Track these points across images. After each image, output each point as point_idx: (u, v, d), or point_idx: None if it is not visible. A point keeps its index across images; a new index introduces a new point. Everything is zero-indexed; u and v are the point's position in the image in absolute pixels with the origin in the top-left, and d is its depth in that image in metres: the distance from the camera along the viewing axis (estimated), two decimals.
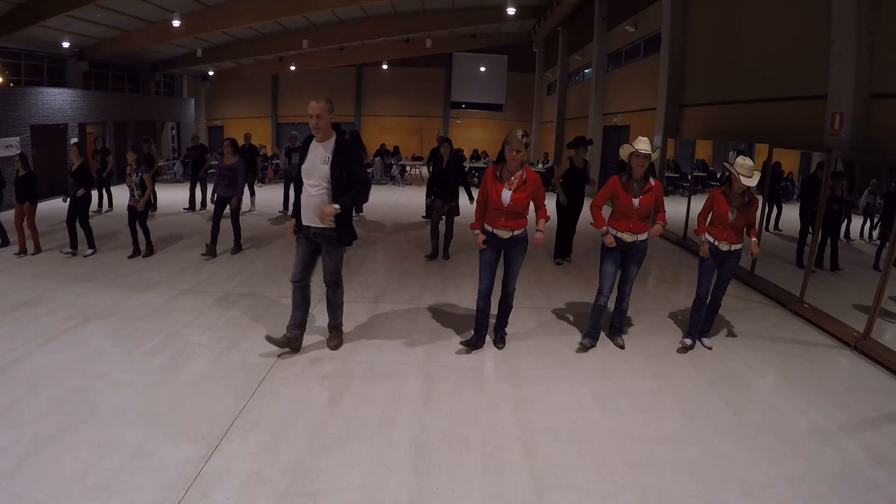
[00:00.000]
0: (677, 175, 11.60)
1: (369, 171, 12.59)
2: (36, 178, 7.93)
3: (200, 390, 3.82)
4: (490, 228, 4.33)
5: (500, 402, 3.81)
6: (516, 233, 4.33)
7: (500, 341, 4.76)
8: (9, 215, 8.29)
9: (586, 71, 16.75)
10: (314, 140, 4.20)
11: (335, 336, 4.65)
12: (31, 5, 11.64)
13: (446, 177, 7.61)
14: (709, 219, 4.76)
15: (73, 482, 2.76)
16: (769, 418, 3.68)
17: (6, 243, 8.22)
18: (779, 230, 7.84)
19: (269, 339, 4.39)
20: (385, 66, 24.14)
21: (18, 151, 12.62)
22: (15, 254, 7.67)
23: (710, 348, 4.81)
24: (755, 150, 7.89)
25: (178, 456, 3.01)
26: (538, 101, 23.26)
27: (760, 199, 5.56)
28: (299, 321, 4.45)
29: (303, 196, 4.26)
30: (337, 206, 4.04)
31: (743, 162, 4.55)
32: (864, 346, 4.83)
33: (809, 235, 6.40)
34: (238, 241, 8.03)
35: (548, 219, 4.53)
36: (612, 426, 3.52)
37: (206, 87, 24.18)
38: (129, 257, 7.53)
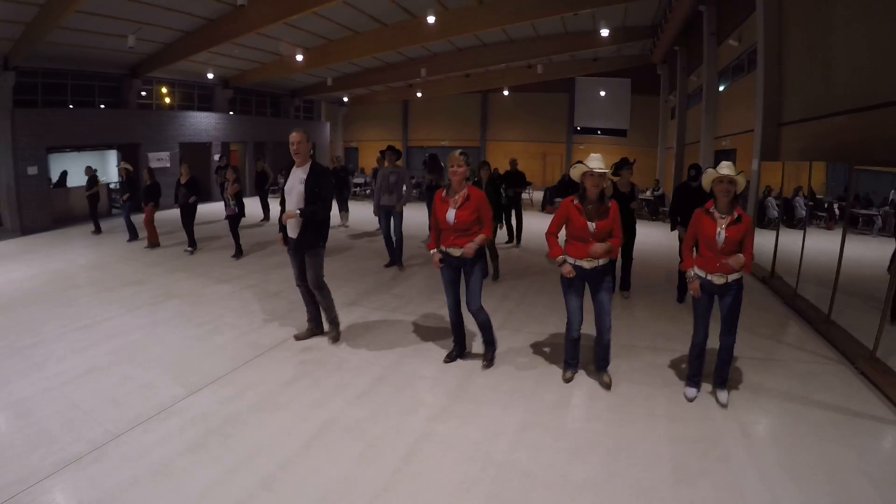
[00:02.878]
0: (812, 203, 10.10)
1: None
2: (159, 186, 10.03)
3: (210, 355, 4.87)
4: (444, 248, 4.43)
5: (420, 408, 3.95)
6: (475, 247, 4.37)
7: (484, 360, 4.73)
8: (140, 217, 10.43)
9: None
10: (294, 165, 4.87)
11: (332, 330, 5.26)
12: (178, 44, 13.93)
13: None
14: (695, 248, 4.13)
15: (101, 394, 4.05)
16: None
17: (135, 237, 10.52)
18: None
19: (296, 336, 5.26)
20: (506, 93, 24.50)
21: (167, 165, 15.13)
22: (145, 247, 9.89)
23: (724, 405, 3.99)
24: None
25: (168, 392, 4.10)
26: (663, 125, 21.87)
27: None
28: (312, 315, 5.30)
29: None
30: (298, 211, 4.68)
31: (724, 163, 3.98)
32: None
33: None
34: None
35: (488, 236, 4.40)
36: (510, 459, 3.30)
37: (343, 111, 26.55)
38: (233, 256, 9.04)
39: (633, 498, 2.95)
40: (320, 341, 5.20)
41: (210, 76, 16.98)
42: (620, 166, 6.99)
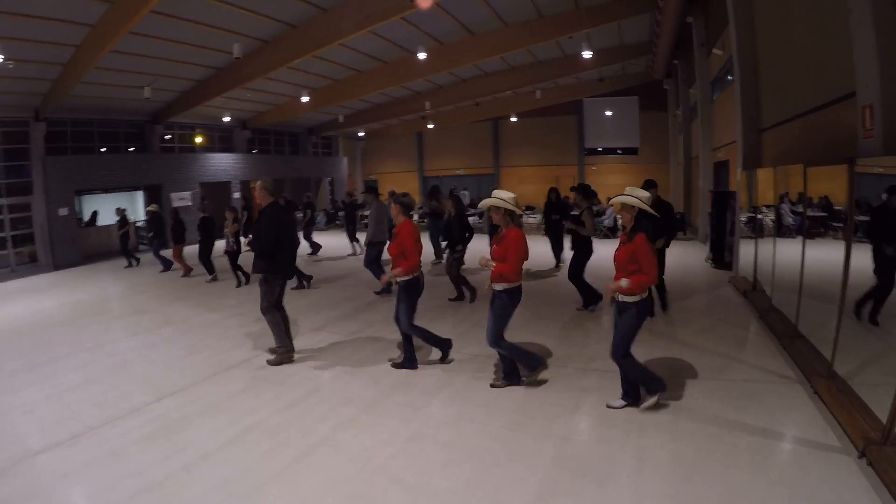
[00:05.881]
0: (825, 214, 9.87)
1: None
2: (184, 223, 11.33)
3: (183, 371, 5.59)
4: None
5: (331, 418, 4.39)
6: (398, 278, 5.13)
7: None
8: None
9: None
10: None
11: (273, 352, 5.79)
12: (193, 91, 15.00)
13: (450, 226, 8.34)
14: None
15: (89, 400, 4.91)
16: None
17: (168, 268, 11.93)
18: None
19: (269, 361, 5.70)
20: (514, 119, 24.93)
21: (190, 203, 16.12)
22: (182, 276, 11.19)
23: (611, 406, 4.33)
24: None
25: (140, 399, 4.87)
26: (673, 140, 21.85)
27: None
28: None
29: None
30: (246, 239, 5.43)
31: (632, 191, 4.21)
32: (877, 456, 3.29)
33: None
34: (300, 279, 9.65)
35: (404, 269, 5.08)
36: (387, 465, 3.65)
37: (361, 146, 27.47)
38: (236, 287, 9.85)
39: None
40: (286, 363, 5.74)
41: (226, 119, 18.07)
42: (648, 186, 7.16)
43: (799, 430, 3.93)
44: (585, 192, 7.85)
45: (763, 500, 3.11)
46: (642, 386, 4.36)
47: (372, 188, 10.31)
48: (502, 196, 4.58)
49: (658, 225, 5.52)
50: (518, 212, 4.61)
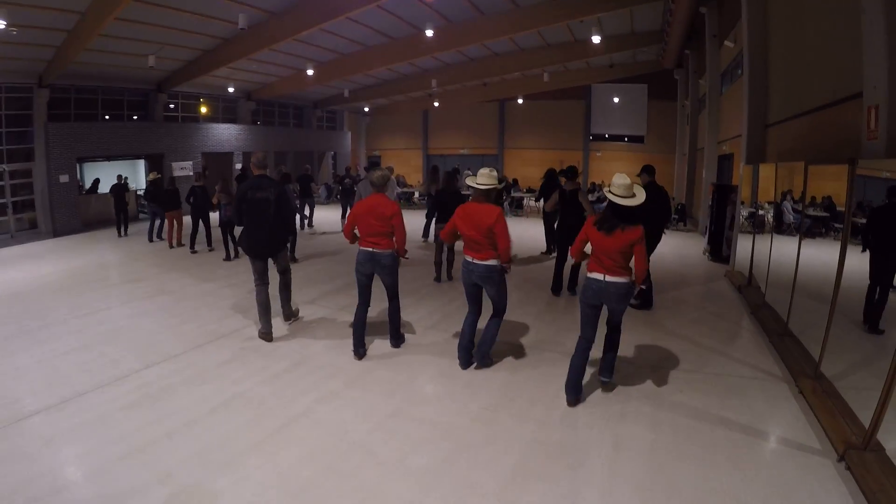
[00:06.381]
0: (828, 215, 9.77)
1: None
2: (178, 192, 11.32)
3: (173, 340, 5.63)
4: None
5: (314, 391, 4.44)
6: (376, 251, 5.02)
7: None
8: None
9: None
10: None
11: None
12: (199, 61, 14.86)
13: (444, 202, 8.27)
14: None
15: (80, 366, 4.94)
16: None
17: (152, 240, 11.90)
18: None
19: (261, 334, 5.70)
20: (521, 101, 24.68)
21: (191, 173, 16.11)
22: (169, 246, 11.14)
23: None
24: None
25: (129, 366, 4.92)
26: (680, 131, 21.66)
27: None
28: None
29: None
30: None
31: (619, 181, 4.15)
32: (857, 461, 3.30)
33: None
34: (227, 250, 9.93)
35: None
36: (364, 440, 3.69)
37: (367, 121, 27.26)
38: (224, 259, 9.82)
39: (455, 488, 3.16)
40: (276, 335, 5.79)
41: (231, 90, 17.95)
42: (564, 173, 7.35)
43: (780, 429, 3.94)
44: (570, 174, 7.86)
45: (737, 497, 3.11)
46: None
47: (375, 164, 10.26)
48: (483, 181, 4.63)
49: (651, 211, 5.49)
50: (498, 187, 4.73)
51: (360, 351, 5.14)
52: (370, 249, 4.98)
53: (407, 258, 5.48)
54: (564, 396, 4.28)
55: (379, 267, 5.03)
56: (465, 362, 4.90)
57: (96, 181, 16.29)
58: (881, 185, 5.23)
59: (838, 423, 3.79)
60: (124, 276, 8.71)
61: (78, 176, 15.11)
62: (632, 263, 4.08)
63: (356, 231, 5.06)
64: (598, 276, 4.08)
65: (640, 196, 4.11)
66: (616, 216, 4.05)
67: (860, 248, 4.79)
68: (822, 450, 3.62)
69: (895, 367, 3.17)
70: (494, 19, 14.06)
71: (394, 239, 5.03)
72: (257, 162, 5.60)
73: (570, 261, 7.25)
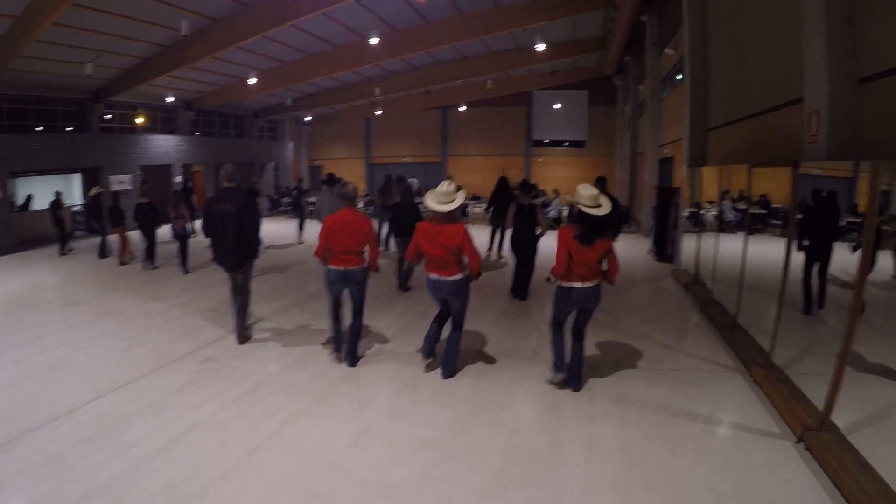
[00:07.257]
0: (766, 212, 10.22)
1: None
2: (121, 209, 10.71)
3: (124, 366, 5.30)
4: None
5: (280, 412, 4.32)
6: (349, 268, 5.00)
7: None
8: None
9: None
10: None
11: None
12: (138, 69, 14.21)
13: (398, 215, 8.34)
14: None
15: (25, 399, 4.59)
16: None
17: (105, 255, 11.28)
18: None
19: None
20: (463, 108, 24.88)
21: (130, 187, 15.39)
22: (119, 263, 10.66)
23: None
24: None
25: (80, 397, 4.57)
26: (620, 136, 22.44)
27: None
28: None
29: None
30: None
31: (586, 192, 4.30)
32: (814, 441, 3.51)
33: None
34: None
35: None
36: (338, 460, 3.60)
37: (308, 130, 26.81)
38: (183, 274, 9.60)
39: (437, 501, 3.15)
40: (220, 352, 5.66)
41: (170, 99, 17.25)
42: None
43: (740, 418, 4.16)
44: (526, 188, 8.06)
45: (709, 485, 3.26)
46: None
47: (333, 180, 10.03)
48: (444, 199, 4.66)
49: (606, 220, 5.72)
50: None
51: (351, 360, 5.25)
52: (342, 268, 4.95)
53: (379, 272, 5.44)
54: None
55: (352, 284, 5.03)
56: (428, 352, 5.00)
57: (29, 197, 15.25)
58: (813, 181, 5.69)
59: (793, 407, 4.04)
60: (66, 298, 8.13)
61: (10, 192, 14.10)
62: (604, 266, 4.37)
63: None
64: (578, 284, 4.32)
65: (607, 205, 4.29)
66: (592, 227, 4.22)
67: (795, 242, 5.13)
68: (781, 433, 3.85)
69: (844, 352, 3.40)
70: (439, 26, 14.19)
71: (366, 255, 5.01)
72: (226, 174, 5.58)
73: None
